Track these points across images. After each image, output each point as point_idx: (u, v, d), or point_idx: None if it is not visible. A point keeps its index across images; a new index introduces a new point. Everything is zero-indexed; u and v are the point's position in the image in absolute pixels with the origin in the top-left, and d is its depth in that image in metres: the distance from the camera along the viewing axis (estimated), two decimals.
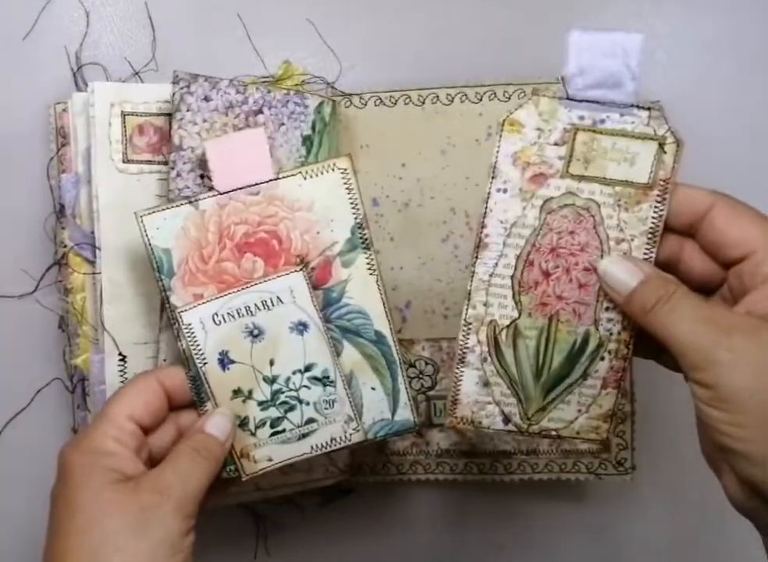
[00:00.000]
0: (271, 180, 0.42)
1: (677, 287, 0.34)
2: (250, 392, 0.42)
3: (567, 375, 0.39)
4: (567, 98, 0.37)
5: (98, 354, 0.46)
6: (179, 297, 0.41)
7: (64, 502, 0.35)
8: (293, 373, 0.42)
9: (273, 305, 0.41)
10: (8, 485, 0.50)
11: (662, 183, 0.37)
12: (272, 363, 0.41)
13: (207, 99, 0.45)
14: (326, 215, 0.42)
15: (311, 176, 0.42)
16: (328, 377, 0.42)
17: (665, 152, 0.37)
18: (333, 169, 0.42)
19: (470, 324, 0.39)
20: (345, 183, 0.42)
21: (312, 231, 0.42)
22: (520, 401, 0.39)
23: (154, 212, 0.41)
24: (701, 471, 0.52)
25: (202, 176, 0.45)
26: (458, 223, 0.50)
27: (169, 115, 0.46)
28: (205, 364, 0.41)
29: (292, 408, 0.42)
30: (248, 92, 0.46)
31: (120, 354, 0.46)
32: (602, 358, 0.39)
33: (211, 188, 0.41)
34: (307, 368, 0.42)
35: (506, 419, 0.39)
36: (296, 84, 0.50)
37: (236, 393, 0.41)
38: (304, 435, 0.42)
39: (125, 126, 0.46)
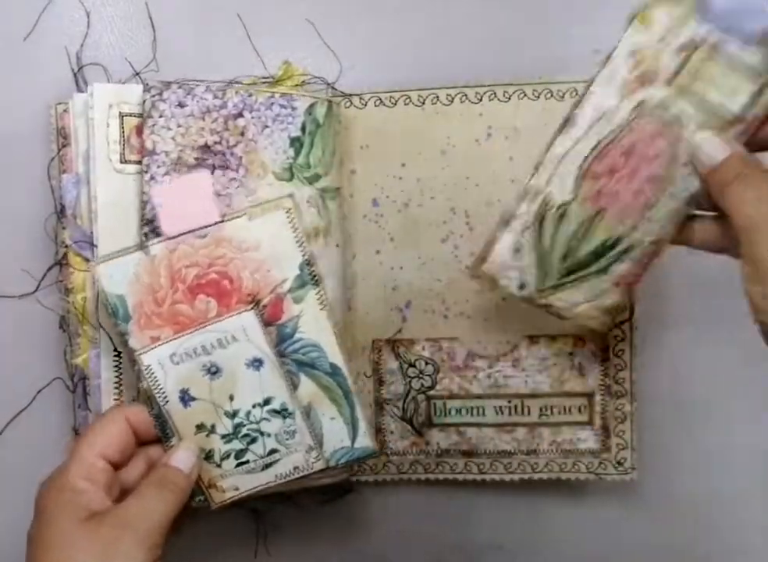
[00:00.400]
0: (217, 223, 0.44)
1: (756, 168, 0.36)
2: (213, 426, 0.44)
3: (589, 265, 0.41)
4: (703, 12, 0.37)
5: (95, 350, 0.47)
6: (136, 340, 0.43)
7: (38, 540, 0.38)
8: (253, 407, 0.44)
9: (228, 343, 0.43)
10: (9, 485, 0.51)
11: (750, 119, 0.38)
12: (231, 398, 0.43)
13: (181, 105, 0.46)
14: (274, 253, 0.44)
15: (256, 217, 0.44)
16: (286, 409, 0.44)
17: (763, 96, 0.37)
18: (277, 209, 0.44)
19: (527, 192, 0.41)
20: (290, 222, 0.44)
21: (262, 270, 0.44)
22: (540, 275, 0.42)
23: (106, 261, 0.43)
24: (700, 471, 0.53)
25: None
26: (458, 223, 0.50)
27: None
28: (167, 402, 0.43)
29: (254, 440, 0.44)
30: (227, 96, 0.47)
31: (115, 351, 0.47)
32: (623, 261, 0.41)
33: (159, 234, 0.43)
34: (266, 402, 0.44)
35: (522, 286, 0.42)
36: (296, 85, 0.50)
37: (200, 427, 0.44)
38: (268, 465, 0.45)
39: (122, 127, 0.47)
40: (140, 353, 0.42)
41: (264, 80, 0.50)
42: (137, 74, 0.49)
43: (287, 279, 0.44)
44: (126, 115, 0.47)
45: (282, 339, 0.44)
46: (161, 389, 0.43)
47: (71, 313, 0.48)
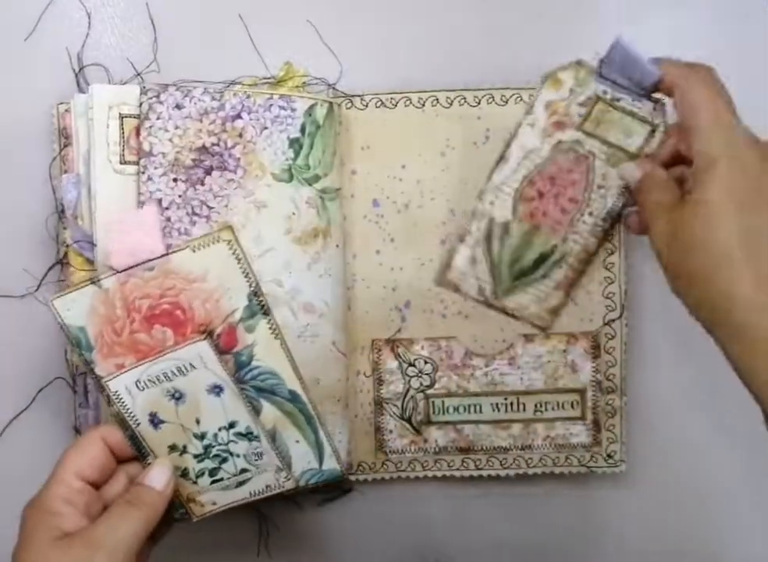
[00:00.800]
0: (162, 256, 0.45)
1: (654, 184, 0.44)
2: (185, 447, 0.46)
3: (533, 272, 0.49)
4: (600, 75, 0.46)
5: None
6: (102, 368, 0.45)
7: (17, 559, 0.39)
8: (219, 430, 0.45)
9: (188, 371, 0.44)
10: (9, 485, 0.50)
11: (645, 156, 0.46)
12: (198, 421, 0.45)
13: (179, 107, 0.47)
14: (222, 283, 0.45)
15: (199, 249, 0.45)
16: (251, 433, 0.46)
17: (654, 137, 0.46)
18: (218, 241, 0.45)
19: (474, 214, 0.49)
20: (233, 253, 0.45)
21: (212, 299, 0.46)
22: (494, 281, 0.49)
23: (62, 296, 0.44)
24: (689, 463, 0.55)
25: (176, 180, 0.46)
26: (457, 225, 0.51)
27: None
28: (138, 424, 0.44)
29: (225, 460, 0.46)
30: (224, 98, 0.47)
31: None
32: (561, 266, 0.49)
33: (110, 268, 0.45)
34: (231, 425, 0.46)
35: (480, 292, 0.49)
36: (298, 86, 0.50)
37: (172, 448, 0.46)
38: (241, 483, 0.47)
39: (122, 128, 0.47)
40: (107, 380, 0.44)
41: (265, 81, 0.50)
42: (139, 74, 0.49)
43: (237, 308, 0.46)
44: (126, 117, 0.47)
45: (239, 366, 0.46)
46: (130, 412, 0.44)
47: None
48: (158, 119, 0.46)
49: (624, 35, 0.44)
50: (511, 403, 0.52)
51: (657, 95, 0.45)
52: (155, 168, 0.46)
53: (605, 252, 0.51)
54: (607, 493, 0.54)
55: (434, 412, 0.52)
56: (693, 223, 0.39)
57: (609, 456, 0.53)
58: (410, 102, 0.51)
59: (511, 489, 0.54)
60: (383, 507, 0.54)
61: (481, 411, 0.52)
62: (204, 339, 0.44)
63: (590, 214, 0.48)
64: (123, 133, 0.47)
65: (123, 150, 0.47)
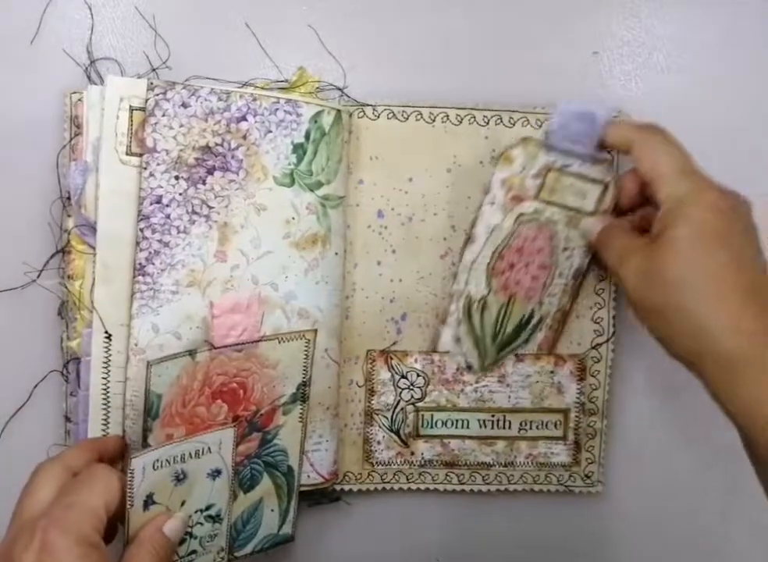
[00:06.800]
0: (255, 341, 0.47)
1: (617, 231, 0.47)
2: None
3: (515, 340, 0.52)
4: (547, 146, 0.49)
5: (87, 329, 0.47)
6: (155, 437, 0.45)
7: None
8: (195, 512, 0.45)
9: (203, 454, 0.45)
10: (7, 481, 0.48)
11: (602, 213, 0.49)
12: (182, 503, 0.45)
13: (185, 105, 0.46)
14: (284, 373, 0.48)
15: (284, 341, 0.48)
16: (219, 515, 0.47)
17: (607, 193, 0.49)
18: (301, 338, 0.48)
19: (453, 295, 0.51)
20: (305, 350, 0.48)
21: (270, 385, 0.48)
22: (479, 355, 0.52)
23: (158, 363, 0.44)
24: (669, 487, 0.56)
25: (177, 178, 0.46)
26: (458, 241, 0.51)
27: None
28: (131, 506, 0.42)
29: (182, 542, 0.45)
30: (231, 99, 0.47)
31: (106, 332, 0.47)
32: (540, 330, 0.52)
33: (208, 342, 0.47)
34: (207, 508, 0.46)
35: (469, 367, 0.52)
36: (310, 92, 0.50)
37: None
38: None
39: (131, 120, 0.47)
40: (134, 457, 0.42)
41: (278, 85, 0.49)
42: (154, 70, 0.49)
43: (285, 395, 0.48)
44: (136, 109, 0.47)
45: (263, 443, 0.48)
46: (132, 493, 0.42)
47: (69, 299, 0.48)
48: (163, 115, 0.46)
49: (564, 104, 0.47)
50: (498, 421, 0.53)
51: (602, 154, 0.48)
52: (158, 164, 0.46)
53: (595, 279, 0.53)
54: (585, 512, 0.55)
55: (422, 425, 0.52)
56: (667, 260, 0.41)
57: (587, 476, 0.54)
58: (421, 117, 0.51)
59: (493, 504, 0.54)
60: (369, 517, 0.54)
61: (468, 427, 0.52)
62: (234, 426, 0.46)
63: (560, 275, 0.51)
64: (132, 125, 0.46)
65: (131, 141, 0.46)
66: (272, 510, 0.49)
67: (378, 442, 0.52)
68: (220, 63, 0.48)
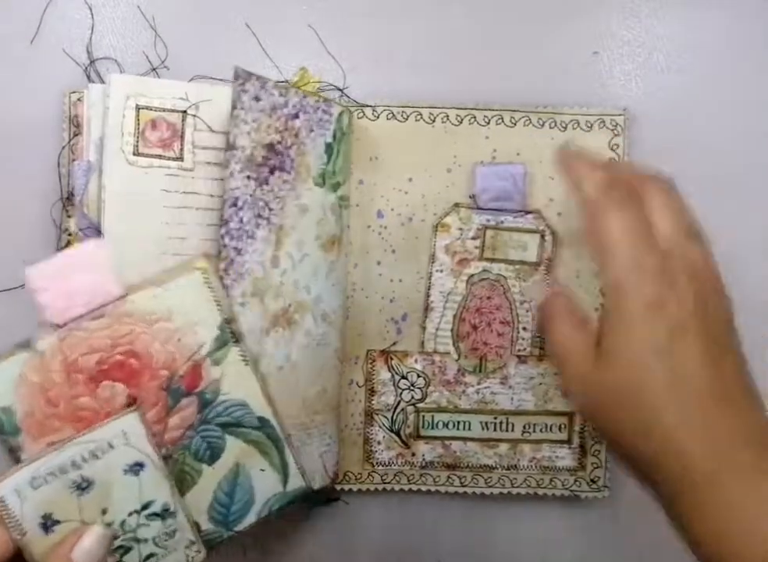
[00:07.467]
0: (118, 299, 0.38)
1: (562, 302, 0.43)
2: None
3: None
4: (477, 208, 0.51)
5: None
6: (31, 452, 0.38)
7: None
8: (129, 515, 0.40)
9: (103, 453, 0.38)
10: None
11: (546, 261, 0.51)
12: (104, 512, 0.39)
13: (257, 99, 0.44)
14: (188, 319, 0.40)
15: (168, 284, 0.40)
16: (168, 509, 0.41)
17: (545, 241, 0.51)
18: (191, 272, 0.40)
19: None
20: (206, 282, 0.41)
21: (173, 339, 0.40)
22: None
23: None
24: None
25: (248, 178, 0.44)
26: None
27: (184, 112, 0.46)
28: (24, 534, 0.37)
29: (128, 550, 0.40)
30: (288, 95, 0.45)
31: None
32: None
33: (44, 324, 0.37)
34: (145, 507, 0.40)
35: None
36: (312, 92, 0.50)
37: None
38: None
39: (138, 120, 0.46)
40: None
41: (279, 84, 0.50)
42: (154, 70, 0.49)
43: (205, 343, 0.41)
44: (143, 108, 0.46)
45: (203, 406, 0.41)
46: (16, 521, 0.37)
47: None
48: (242, 108, 0.43)
49: (480, 166, 0.50)
50: (500, 423, 0.52)
51: (530, 206, 0.50)
52: (236, 163, 0.43)
53: (597, 280, 0.52)
54: (590, 517, 0.54)
55: (423, 426, 0.52)
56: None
57: (593, 480, 0.53)
58: (421, 117, 0.51)
59: (495, 507, 0.53)
60: (368, 518, 0.53)
61: (470, 428, 0.52)
62: (135, 409, 0.39)
63: (524, 329, 0.52)
64: (139, 124, 0.46)
65: (138, 141, 0.46)
66: (262, 470, 0.44)
67: (379, 443, 0.52)
68: (220, 63, 0.48)
